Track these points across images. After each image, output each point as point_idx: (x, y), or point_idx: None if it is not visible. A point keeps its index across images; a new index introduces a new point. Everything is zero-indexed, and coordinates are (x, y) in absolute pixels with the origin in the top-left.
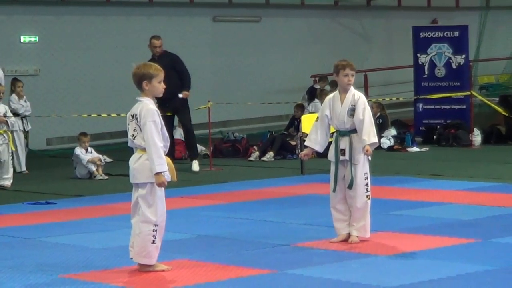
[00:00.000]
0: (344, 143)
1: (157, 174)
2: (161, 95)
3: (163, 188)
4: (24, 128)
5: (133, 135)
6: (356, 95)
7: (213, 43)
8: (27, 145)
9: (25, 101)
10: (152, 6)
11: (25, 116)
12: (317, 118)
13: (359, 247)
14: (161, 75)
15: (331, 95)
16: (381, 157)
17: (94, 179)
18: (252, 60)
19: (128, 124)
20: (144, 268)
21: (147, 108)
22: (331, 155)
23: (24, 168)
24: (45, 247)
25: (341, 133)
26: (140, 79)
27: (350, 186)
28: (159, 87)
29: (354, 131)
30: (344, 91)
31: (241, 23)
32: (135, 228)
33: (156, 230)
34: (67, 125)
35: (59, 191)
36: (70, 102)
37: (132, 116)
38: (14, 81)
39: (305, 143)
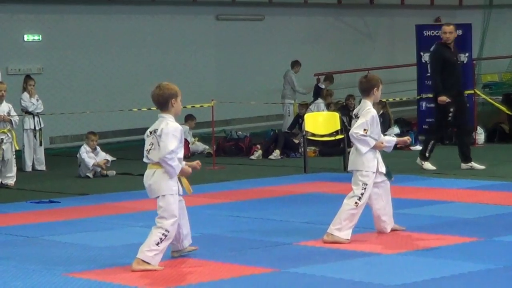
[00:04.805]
0: None
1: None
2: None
3: (179, 199)
4: (35, 127)
5: (148, 149)
6: None
7: (216, 41)
8: (40, 143)
9: (37, 100)
10: (155, 5)
11: (37, 114)
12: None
13: (362, 245)
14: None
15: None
16: (384, 155)
17: (98, 178)
18: (255, 58)
19: (145, 139)
20: (137, 266)
21: (172, 125)
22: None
23: (39, 167)
24: (48, 246)
25: None
26: (169, 97)
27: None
28: (180, 105)
29: None
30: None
31: (245, 22)
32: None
33: (165, 236)
34: (71, 123)
35: (62, 189)
36: (73, 101)
37: (151, 132)
38: (27, 79)
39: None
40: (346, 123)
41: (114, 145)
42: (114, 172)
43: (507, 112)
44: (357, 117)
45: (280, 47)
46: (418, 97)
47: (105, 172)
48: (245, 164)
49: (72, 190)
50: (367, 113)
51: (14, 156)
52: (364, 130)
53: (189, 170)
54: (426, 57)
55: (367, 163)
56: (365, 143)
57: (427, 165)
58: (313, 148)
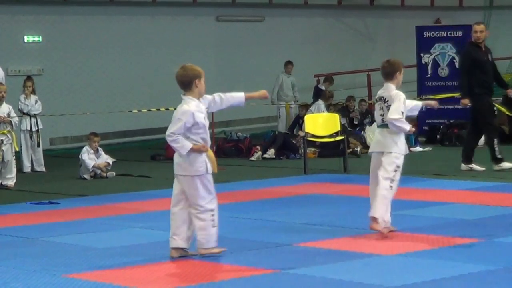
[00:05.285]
0: None
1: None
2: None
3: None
4: (31, 128)
5: None
6: None
7: (216, 42)
8: (38, 144)
9: (36, 101)
10: (155, 6)
11: (34, 116)
12: None
13: (361, 247)
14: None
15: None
16: None
17: (98, 179)
18: (255, 59)
19: None
20: (204, 251)
21: (183, 108)
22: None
23: (38, 168)
24: (48, 247)
25: None
26: (193, 78)
27: None
28: (204, 85)
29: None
30: None
31: (245, 23)
32: (184, 219)
33: (213, 215)
34: (70, 125)
35: (62, 190)
36: (73, 102)
37: None
38: (25, 80)
39: None
40: (346, 125)
41: (114, 146)
42: (114, 174)
43: (507, 113)
44: (382, 100)
45: (280, 48)
46: (418, 98)
47: (104, 174)
48: (245, 165)
49: (72, 191)
50: (398, 96)
51: (14, 157)
52: (402, 112)
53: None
54: (426, 58)
55: (401, 146)
56: (404, 124)
57: (506, 165)
58: (313, 149)
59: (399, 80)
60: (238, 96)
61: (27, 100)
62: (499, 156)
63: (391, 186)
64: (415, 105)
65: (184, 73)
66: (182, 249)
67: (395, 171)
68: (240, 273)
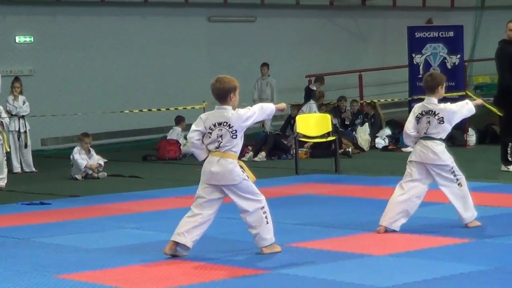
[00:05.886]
0: None
1: None
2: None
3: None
4: (19, 129)
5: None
6: None
7: (208, 43)
8: (25, 145)
9: (24, 102)
10: (147, 6)
11: (22, 117)
12: None
13: (353, 247)
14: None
15: None
16: (376, 157)
17: (89, 180)
18: (247, 60)
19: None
20: (268, 250)
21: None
22: None
23: (27, 169)
24: (39, 248)
25: None
26: (229, 91)
27: None
28: (237, 98)
29: None
30: None
31: (236, 23)
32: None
33: (265, 211)
34: (62, 125)
35: (53, 191)
36: (65, 102)
37: (219, 124)
38: (13, 80)
39: None
40: (337, 125)
41: (106, 147)
42: (105, 174)
43: (499, 113)
44: (431, 113)
45: (271, 48)
46: (410, 99)
47: (96, 175)
48: None
49: (63, 192)
50: (451, 106)
51: (5, 158)
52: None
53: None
54: (417, 58)
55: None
56: None
57: None
58: (304, 149)
59: (441, 94)
60: (270, 108)
61: (15, 102)
62: (510, 159)
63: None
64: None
65: (220, 86)
66: (184, 247)
67: (452, 172)
68: (232, 273)
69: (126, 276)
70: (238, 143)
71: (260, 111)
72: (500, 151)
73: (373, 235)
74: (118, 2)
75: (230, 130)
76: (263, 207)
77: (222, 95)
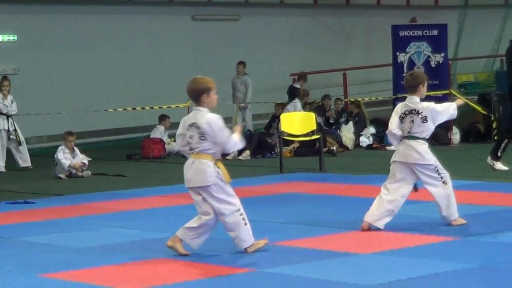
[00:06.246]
0: None
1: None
2: (214, 107)
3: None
4: (8, 128)
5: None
6: None
7: (192, 41)
8: (19, 143)
9: (12, 101)
10: (131, 5)
11: (11, 116)
12: None
13: (338, 245)
14: (215, 87)
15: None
16: (360, 155)
17: (74, 178)
18: (231, 58)
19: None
20: (252, 248)
21: (213, 118)
22: None
23: (25, 164)
24: (23, 247)
25: None
26: (201, 92)
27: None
28: (215, 98)
29: None
30: None
31: (221, 22)
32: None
33: (242, 214)
34: (46, 124)
35: (38, 190)
36: (49, 101)
37: (190, 125)
38: (1, 79)
39: None
40: (322, 123)
41: (90, 146)
42: (89, 173)
43: (482, 112)
44: (415, 113)
45: (256, 47)
46: (394, 97)
47: (80, 174)
48: None
49: (47, 191)
50: (433, 105)
51: None
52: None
53: None
54: (401, 57)
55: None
56: None
57: (499, 165)
58: (288, 148)
59: (422, 93)
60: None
61: (5, 101)
62: (499, 154)
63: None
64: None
65: (192, 87)
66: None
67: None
68: (217, 272)
69: (111, 275)
70: (215, 146)
71: (227, 140)
72: (494, 144)
73: (358, 234)
74: (102, 1)
75: (198, 131)
76: (238, 209)
77: (195, 95)
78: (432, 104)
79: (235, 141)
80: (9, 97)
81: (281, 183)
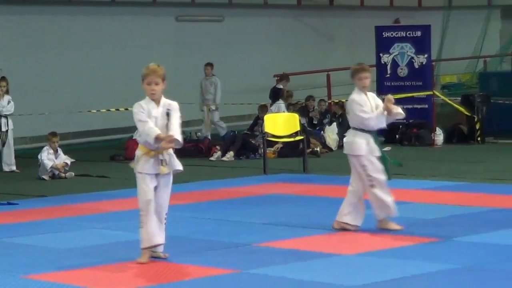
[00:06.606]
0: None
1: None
2: (152, 97)
3: (140, 176)
4: (0, 128)
5: None
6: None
7: (176, 42)
8: (3, 144)
9: (9, 101)
10: (115, 6)
11: (5, 116)
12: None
13: (322, 246)
14: (151, 76)
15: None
16: (343, 156)
17: (57, 180)
18: (215, 59)
19: None
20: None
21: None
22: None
23: (8, 168)
24: (6, 248)
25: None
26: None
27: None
28: (147, 88)
29: None
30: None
31: (204, 23)
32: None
33: (141, 215)
34: (30, 125)
35: (21, 191)
36: (32, 102)
37: None
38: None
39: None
40: (305, 124)
41: (73, 147)
42: (73, 174)
43: (466, 113)
44: None
45: (239, 48)
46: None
47: (63, 174)
48: (204, 165)
49: (31, 192)
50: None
51: None
52: None
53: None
54: (385, 58)
55: None
56: None
57: None
58: (272, 149)
59: (358, 84)
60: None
61: (1, 101)
62: None
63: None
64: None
65: None
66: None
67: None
68: (201, 273)
69: (94, 276)
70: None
71: (141, 126)
72: None
73: (342, 235)
74: (86, 1)
75: None
76: (140, 209)
77: None
78: (352, 95)
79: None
80: (6, 97)
81: (265, 184)
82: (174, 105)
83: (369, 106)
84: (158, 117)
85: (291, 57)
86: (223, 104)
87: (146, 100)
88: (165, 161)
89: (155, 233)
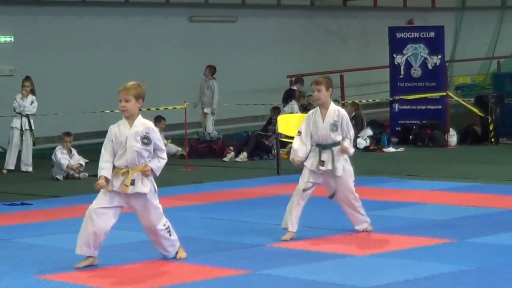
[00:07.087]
0: (326, 155)
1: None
2: (123, 114)
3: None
4: (21, 127)
5: None
6: (337, 111)
7: (189, 43)
8: (33, 144)
9: (32, 102)
10: (128, 6)
11: (26, 115)
12: (299, 132)
13: (334, 247)
14: (121, 93)
15: (312, 111)
16: (357, 157)
17: (70, 180)
18: (228, 60)
19: None
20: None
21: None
22: (310, 163)
23: (24, 168)
24: (20, 248)
25: (323, 147)
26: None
27: (332, 196)
28: (119, 105)
29: (336, 144)
30: (324, 107)
31: (217, 23)
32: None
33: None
34: (43, 125)
35: (34, 191)
36: (45, 102)
37: None
38: (23, 79)
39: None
40: None
41: (86, 147)
42: (86, 174)
43: (479, 114)
44: None
45: (252, 49)
46: (391, 99)
47: (77, 175)
48: (218, 166)
49: (44, 192)
50: None
51: None
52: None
53: None
54: (398, 59)
55: None
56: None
57: None
58: (285, 150)
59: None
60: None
61: (22, 100)
62: None
63: None
64: None
65: (143, 91)
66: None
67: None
68: (214, 274)
69: (107, 276)
70: None
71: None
72: None
73: (355, 236)
74: (99, 2)
75: None
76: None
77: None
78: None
79: None
80: (30, 97)
81: (278, 185)
82: (151, 127)
83: (306, 124)
84: (129, 138)
85: (304, 57)
86: (236, 105)
87: (123, 120)
88: (132, 181)
89: (83, 242)
